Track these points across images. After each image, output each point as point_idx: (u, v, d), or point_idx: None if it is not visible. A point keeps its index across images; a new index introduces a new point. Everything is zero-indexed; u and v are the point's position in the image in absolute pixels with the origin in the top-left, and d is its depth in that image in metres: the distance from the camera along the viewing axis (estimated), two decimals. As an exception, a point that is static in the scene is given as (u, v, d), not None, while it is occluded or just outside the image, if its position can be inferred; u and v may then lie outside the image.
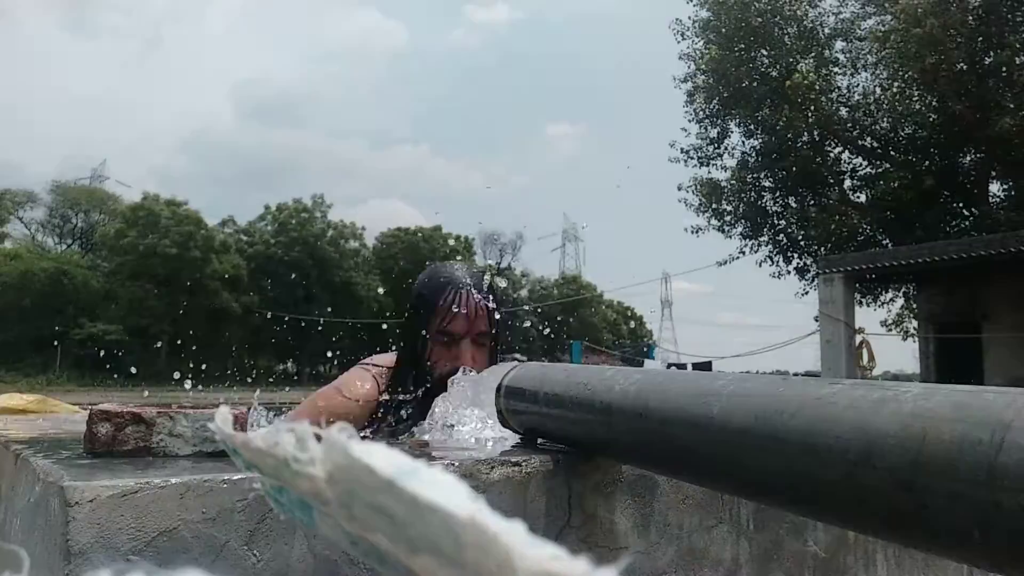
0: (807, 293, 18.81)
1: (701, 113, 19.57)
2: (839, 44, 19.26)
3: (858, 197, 19.28)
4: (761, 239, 19.60)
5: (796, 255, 19.41)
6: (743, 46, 18.58)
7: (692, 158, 19.80)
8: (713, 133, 19.74)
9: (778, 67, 18.43)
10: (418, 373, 1.47)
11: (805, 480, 0.65)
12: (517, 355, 1.62)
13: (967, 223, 17.46)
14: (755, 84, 18.54)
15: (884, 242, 17.80)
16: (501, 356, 1.64)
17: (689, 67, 19.58)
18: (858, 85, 19.07)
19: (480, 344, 1.47)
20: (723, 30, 18.52)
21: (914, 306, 16.94)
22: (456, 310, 1.45)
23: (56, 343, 31.11)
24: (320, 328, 33.03)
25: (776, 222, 19.60)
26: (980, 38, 15.99)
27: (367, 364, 1.57)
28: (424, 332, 1.48)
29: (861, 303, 17.16)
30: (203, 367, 33.95)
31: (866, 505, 0.60)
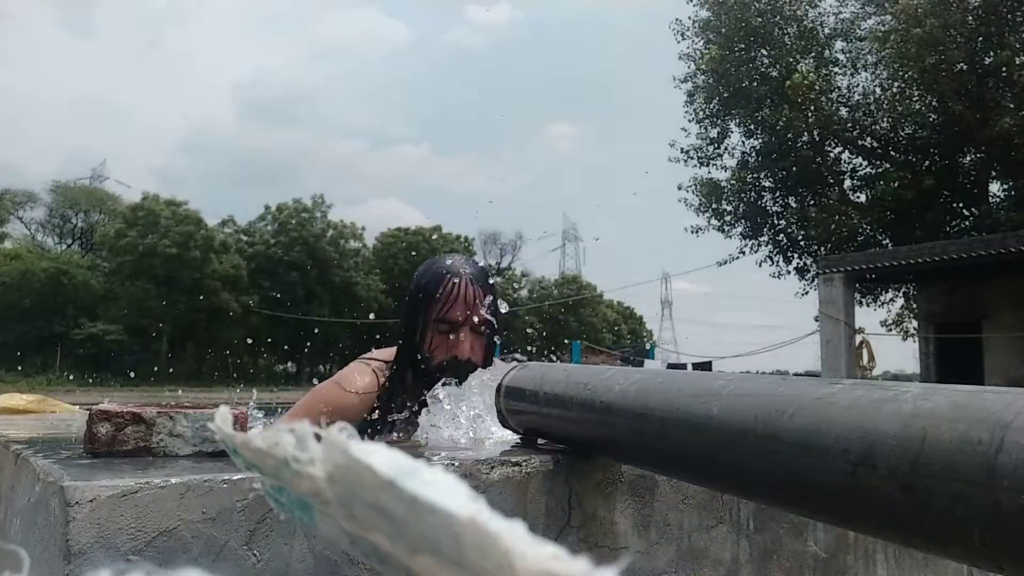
0: (807, 293, 18.83)
1: (701, 113, 19.58)
2: (839, 44, 19.29)
3: (858, 197, 19.29)
4: (761, 239, 19.61)
5: (796, 255, 19.43)
6: (743, 46, 18.58)
7: (692, 158, 19.82)
8: (713, 133, 19.77)
9: (778, 67, 18.43)
10: (417, 364, 1.48)
11: (805, 480, 0.65)
12: (517, 355, 1.62)
13: (967, 223, 17.46)
14: (755, 84, 18.55)
15: (884, 242, 17.80)
16: (501, 352, 1.64)
17: (689, 67, 19.62)
18: (858, 85, 19.11)
19: (479, 333, 1.48)
20: (723, 30, 18.52)
21: (914, 306, 16.94)
22: (455, 298, 1.46)
23: (56, 343, 31.12)
24: (318, 330, 33.05)
25: (776, 222, 19.61)
26: (980, 38, 16.00)
27: (366, 359, 1.58)
28: (424, 321, 1.48)
29: (861, 303, 17.17)
30: (203, 367, 34.07)
31: (866, 505, 0.60)
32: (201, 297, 31.14)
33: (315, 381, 1.85)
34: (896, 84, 17.85)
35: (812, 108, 17.47)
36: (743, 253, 19.81)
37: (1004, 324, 11.73)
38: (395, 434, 1.42)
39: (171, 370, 33.51)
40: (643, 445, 0.88)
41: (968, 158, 17.78)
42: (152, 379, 31.34)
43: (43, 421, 1.75)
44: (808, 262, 18.82)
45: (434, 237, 40.41)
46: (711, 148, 19.80)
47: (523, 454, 1.01)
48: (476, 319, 1.47)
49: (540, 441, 1.12)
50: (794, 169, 18.67)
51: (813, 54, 18.68)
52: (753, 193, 19.42)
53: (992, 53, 15.86)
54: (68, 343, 31.98)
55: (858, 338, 12.59)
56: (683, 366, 17.20)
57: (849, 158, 19.66)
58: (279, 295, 35.62)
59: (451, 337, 1.46)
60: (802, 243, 19.16)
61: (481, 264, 1.60)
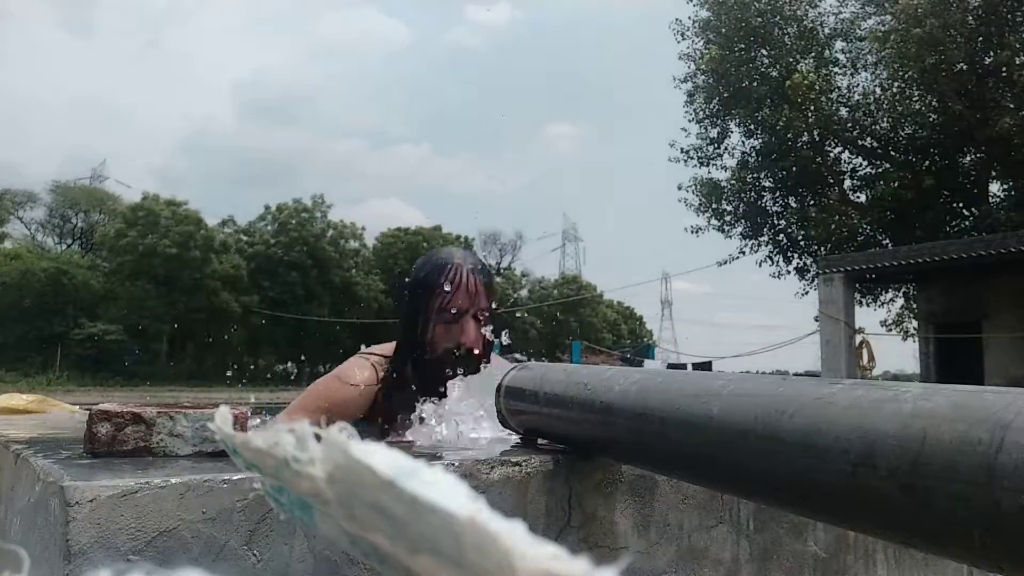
0: (807, 293, 18.83)
1: (701, 113, 19.58)
2: (839, 44, 19.29)
3: (858, 197, 19.29)
4: (761, 239, 19.61)
5: (796, 255, 19.43)
6: (743, 46, 18.58)
7: (692, 158, 19.82)
8: (713, 133, 19.76)
9: (778, 67, 18.43)
10: (419, 357, 1.48)
11: (805, 480, 0.65)
12: (517, 355, 1.62)
13: (967, 223, 17.46)
14: (755, 84, 18.55)
15: (884, 242, 17.80)
16: (502, 352, 1.64)
17: (689, 67, 19.61)
18: (858, 85, 19.11)
19: (480, 322, 1.49)
20: (723, 30, 18.52)
21: (914, 306, 16.93)
22: (458, 286, 1.46)
23: (56, 343, 31.12)
24: (318, 332, 33.05)
25: (776, 222, 19.61)
26: (980, 38, 16.00)
27: (366, 353, 1.58)
28: (426, 312, 1.49)
29: (861, 303, 17.16)
30: (203, 367, 34.07)
31: (866, 505, 0.60)
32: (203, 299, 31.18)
33: (315, 380, 1.86)
34: (896, 84, 17.84)
35: (812, 108, 17.47)
36: (743, 253, 19.83)
37: (1004, 324, 11.73)
38: (398, 431, 1.42)
39: (171, 370, 33.53)
40: (643, 445, 0.88)
41: (968, 158, 17.78)
42: (152, 379, 31.38)
43: (43, 421, 1.75)
44: (808, 262, 18.82)
45: (434, 237, 40.41)
46: (711, 148, 19.80)
47: (523, 454, 1.01)
48: (478, 307, 1.48)
49: (540, 441, 1.12)
50: (794, 169, 18.66)
51: (813, 54, 18.68)
52: (753, 193, 19.42)
53: (992, 53, 15.86)
54: (68, 343, 31.98)
55: (858, 338, 12.59)
56: (683, 366, 17.21)
57: (849, 158, 19.67)
58: (279, 295, 35.64)
59: (455, 326, 1.46)
60: (802, 243, 19.16)
61: (479, 255, 1.61)
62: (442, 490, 0.34)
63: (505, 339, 1.56)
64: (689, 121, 19.84)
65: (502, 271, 46.59)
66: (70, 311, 32.75)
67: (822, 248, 17.75)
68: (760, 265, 19.78)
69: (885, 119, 18.41)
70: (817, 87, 17.15)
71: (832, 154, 19.39)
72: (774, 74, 18.45)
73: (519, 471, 0.98)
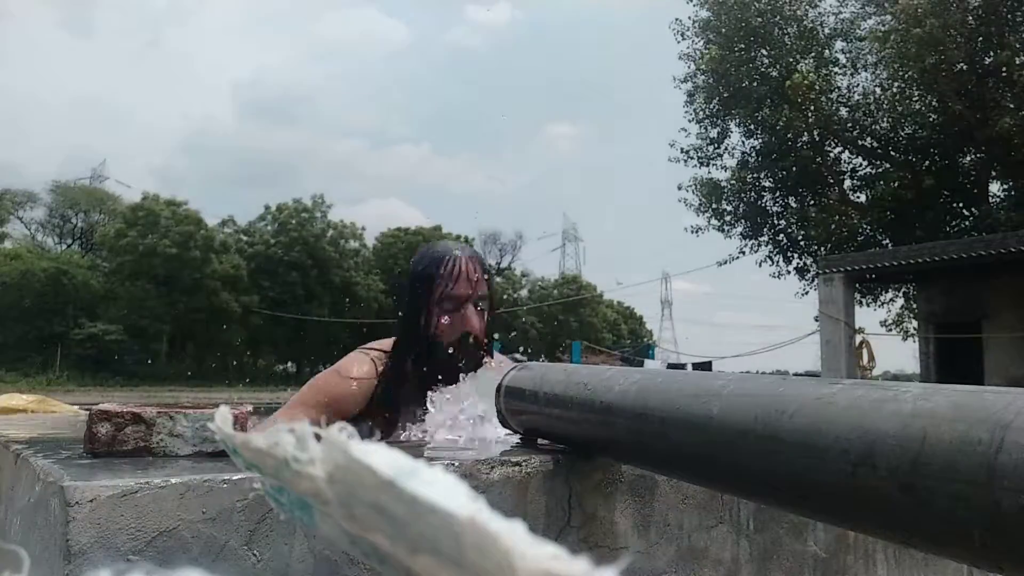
0: (807, 293, 18.82)
1: (701, 113, 19.58)
2: (839, 44, 19.28)
3: (858, 197, 19.28)
4: (761, 239, 19.60)
5: (796, 255, 19.42)
6: (743, 46, 18.58)
7: (692, 158, 19.82)
8: (713, 133, 19.76)
9: (778, 67, 18.43)
10: (421, 350, 1.49)
11: (805, 480, 0.65)
12: (517, 355, 1.63)
13: (967, 223, 17.46)
14: (755, 84, 18.54)
15: (884, 242, 17.79)
16: (506, 353, 1.65)
17: (689, 67, 19.61)
18: (858, 85, 19.10)
19: (479, 308, 1.50)
20: (723, 30, 18.52)
21: (914, 306, 16.93)
22: (458, 274, 1.48)
23: (56, 343, 31.11)
24: (318, 332, 33.05)
25: (776, 222, 19.60)
26: (980, 38, 15.99)
27: (366, 348, 1.59)
28: (427, 304, 1.49)
29: (861, 303, 17.16)
30: (203, 367, 34.06)
31: (866, 505, 0.60)
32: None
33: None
34: (896, 84, 17.84)
35: (812, 108, 17.47)
36: (743, 253, 19.82)
37: (1004, 324, 11.73)
38: (399, 428, 1.42)
39: (171, 370, 33.52)
40: (643, 445, 0.88)
41: (968, 158, 17.78)
42: (152, 379, 31.38)
43: (43, 421, 1.75)
44: (808, 262, 18.82)
45: (434, 237, 40.39)
46: (711, 148, 19.80)
47: (523, 454, 1.01)
48: (478, 295, 1.49)
49: (540, 441, 1.12)
50: (794, 169, 18.66)
51: (813, 54, 18.67)
52: (753, 193, 19.41)
53: (992, 53, 15.86)
54: (68, 343, 31.97)
55: (858, 338, 12.59)
56: (683, 366, 17.20)
57: (849, 158, 19.66)
58: (279, 295, 35.63)
59: (456, 315, 1.47)
60: (802, 243, 19.15)
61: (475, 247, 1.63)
62: (442, 490, 0.34)
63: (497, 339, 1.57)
64: (689, 121, 19.86)
65: (502, 271, 46.58)
66: (70, 311, 32.74)
67: (822, 248, 17.75)
68: (760, 265, 19.80)
69: (885, 119, 18.40)
70: (817, 87, 17.15)
71: (832, 154, 19.39)
72: (774, 74, 18.45)
73: (519, 471, 0.98)
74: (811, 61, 18.36)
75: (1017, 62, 15.40)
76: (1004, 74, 15.55)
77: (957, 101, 16.06)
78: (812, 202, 19.31)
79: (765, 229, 19.54)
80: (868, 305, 18.46)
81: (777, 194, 19.68)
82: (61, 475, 0.78)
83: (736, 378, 0.79)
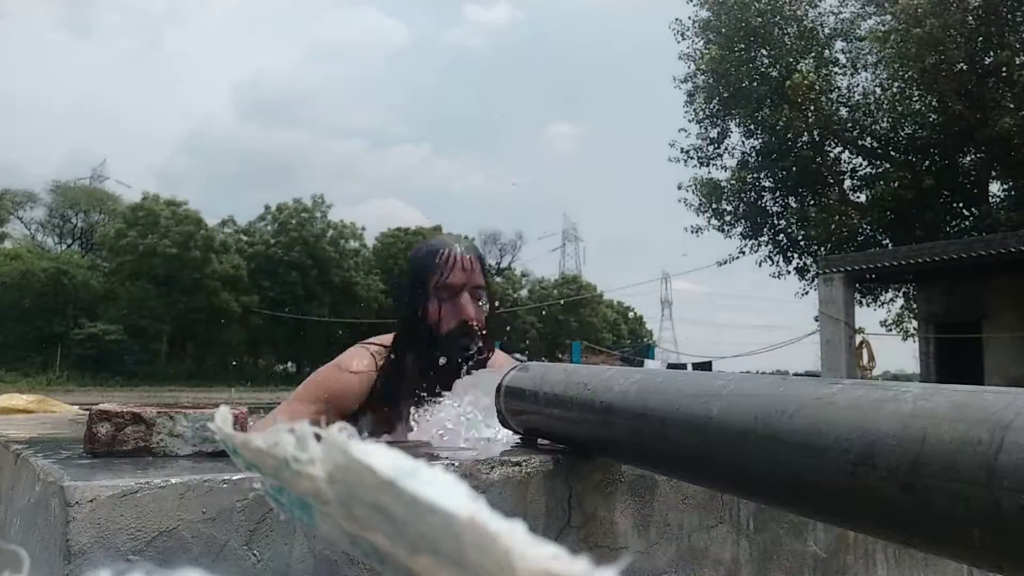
0: (807, 293, 18.82)
1: (701, 113, 19.57)
2: (839, 44, 19.27)
3: (858, 197, 19.28)
4: (761, 239, 19.60)
5: (796, 255, 19.42)
6: (743, 46, 18.58)
7: (692, 158, 19.81)
8: (713, 133, 19.75)
9: (778, 67, 18.42)
10: (420, 342, 1.50)
11: (805, 480, 0.65)
12: (517, 355, 1.63)
13: (967, 223, 17.46)
14: (755, 84, 18.54)
15: (884, 242, 17.79)
16: (505, 349, 1.65)
17: (689, 67, 19.61)
18: (858, 85, 19.10)
19: (476, 298, 1.51)
20: (723, 30, 18.51)
21: (914, 306, 16.93)
22: (453, 263, 1.49)
23: (56, 343, 31.11)
24: (318, 332, 33.03)
25: (776, 222, 19.60)
26: (980, 38, 15.99)
27: (366, 343, 1.61)
28: (424, 294, 1.51)
29: (861, 303, 17.16)
30: (203, 367, 34.05)
31: (866, 505, 0.60)
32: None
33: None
34: (896, 84, 17.84)
35: (812, 108, 17.47)
36: (743, 253, 19.82)
37: (1004, 324, 11.73)
38: (403, 421, 1.43)
39: (171, 370, 33.52)
40: (643, 445, 0.88)
41: (968, 158, 17.78)
42: (152, 379, 31.38)
43: (43, 421, 1.75)
44: (808, 262, 18.81)
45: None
46: (711, 148, 19.79)
47: (523, 454, 1.01)
48: (474, 284, 1.50)
49: (540, 441, 1.12)
50: (794, 169, 18.65)
51: (813, 54, 18.67)
52: (753, 193, 19.41)
53: (992, 53, 15.86)
54: (68, 343, 31.96)
55: (858, 338, 12.59)
56: (683, 366, 17.20)
57: (849, 158, 19.66)
58: (279, 295, 35.63)
59: (453, 304, 1.49)
60: (802, 243, 19.15)
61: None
62: (442, 490, 0.34)
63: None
64: (689, 121, 19.86)
65: (502, 271, 46.58)
66: (70, 311, 32.74)
67: (822, 248, 17.75)
68: (760, 265, 19.80)
69: (885, 119, 18.40)
70: (817, 87, 17.15)
71: (832, 154, 19.38)
72: (774, 74, 18.45)
73: (519, 471, 0.98)
74: (811, 61, 18.35)
75: (1017, 62, 15.40)
76: (1004, 74, 15.55)
77: (957, 101, 16.06)
78: (812, 202, 19.31)
79: (765, 229, 19.54)
80: (868, 305, 18.46)
81: (777, 194, 19.68)
82: (61, 475, 0.78)
83: (736, 378, 0.79)
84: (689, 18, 19.38)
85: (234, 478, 0.79)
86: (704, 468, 0.81)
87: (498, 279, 40.83)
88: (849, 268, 12.49)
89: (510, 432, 1.18)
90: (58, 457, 0.91)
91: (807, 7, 18.81)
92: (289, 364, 39.99)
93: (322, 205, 39.23)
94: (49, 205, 41.34)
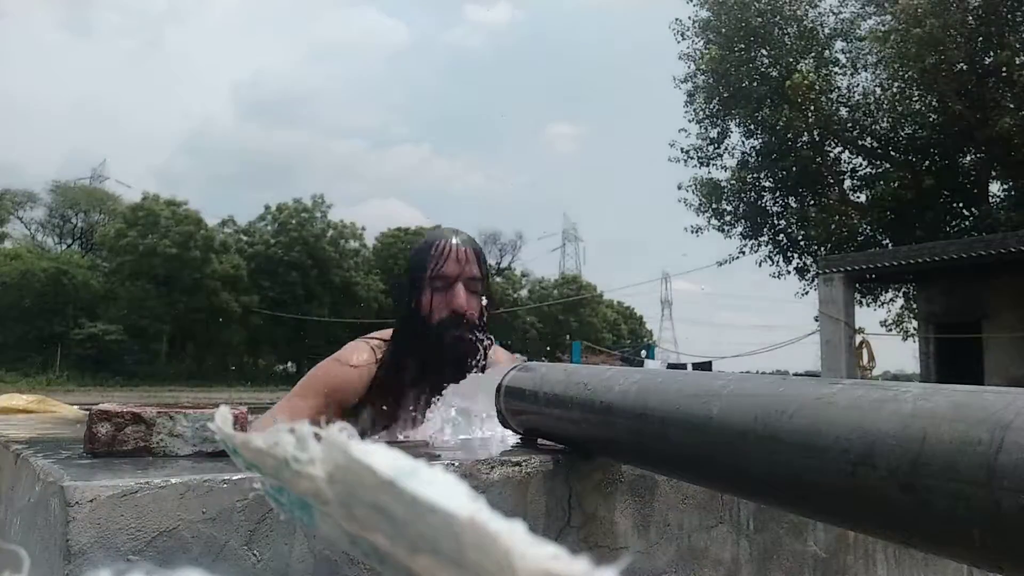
0: (807, 293, 18.82)
1: (701, 113, 19.58)
2: (839, 44, 19.28)
3: (858, 197, 19.28)
4: (761, 239, 19.60)
5: (796, 255, 19.42)
6: (743, 46, 18.58)
7: (692, 158, 19.82)
8: (713, 133, 19.76)
9: (778, 67, 18.43)
10: (418, 332, 1.50)
11: (805, 480, 0.65)
12: (517, 355, 1.62)
13: (967, 223, 17.46)
14: (755, 84, 18.54)
15: (884, 242, 17.79)
16: (505, 346, 1.65)
17: (689, 67, 19.61)
18: (858, 85, 19.10)
19: (472, 290, 1.51)
20: (723, 30, 18.52)
21: (914, 306, 16.92)
22: (447, 255, 1.50)
23: (56, 343, 31.10)
24: (318, 332, 33.00)
25: (776, 222, 19.60)
26: (980, 38, 15.99)
27: (366, 338, 1.61)
28: (420, 286, 1.51)
29: (861, 303, 17.16)
30: (203, 367, 34.04)
31: (866, 505, 0.60)
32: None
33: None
34: (896, 84, 17.84)
35: (812, 108, 17.47)
36: (743, 253, 19.83)
37: (1004, 324, 11.72)
38: (398, 417, 1.43)
39: (171, 370, 33.51)
40: (643, 445, 0.88)
41: (968, 158, 17.78)
42: (152, 379, 31.36)
43: (43, 421, 1.75)
44: (808, 262, 18.81)
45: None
46: (711, 148, 19.80)
47: (523, 454, 1.01)
48: (469, 275, 1.50)
49: (540, 441, 1.12)
50: (794, 169, 18.65)
51: (813, 54, 18.67)
52: (753, 193, 19.41)
53: (992, 53, 15.86)
54: (68, 343, 31.95)
55: (858, 338, 12.59)
56: (683, 366, 17.19)
57: (849, 158, 19.67)
58: (279, 295, 35.62)
59: (447, 293, 1.49)
60: (802, 243, 19.15)
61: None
62: (442, 490, 0.34)
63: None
64: (689, 121, 19.86)
65: (502, 271, 46.56)
66: (70, 311, 32.72)
67: (822, 248, 17.75)
68: (760, 265, 19.81)
69: (885, 119, 18.40)
70: (817, 87, 17.15)
71: (832, 154, 19.38)
72: (774, 74, 18.45)
73: (519, 471, 0.98)
74: (811, 61, 18.36)
75: (1017, 62, 15.40)
76: (1004, 74, 15.55)
77: (957, 101, 16.06)
78: (812, 202, 19.30)
79: (765, 229, 19.54)
80: (868, 305, 18.46)
81: (777, 194, 19.68)
82: (61, 475, 0.78)
83: (736, 378, 0.79)
84: (689, 18, 19.42)
85: (234, 478, 0.79)
86: (704, 468, 0.81)
87: (498, 279, 40.82)
88: (849, 268, 12.49)
89: (503, 432, 1.19)
90: (58, 457, 0.91)
91: (807, 7, 18.81)
92: (289, 364, 39.96)
93: (322, 205, 39.22)
94: (49, 205, 41.34)
